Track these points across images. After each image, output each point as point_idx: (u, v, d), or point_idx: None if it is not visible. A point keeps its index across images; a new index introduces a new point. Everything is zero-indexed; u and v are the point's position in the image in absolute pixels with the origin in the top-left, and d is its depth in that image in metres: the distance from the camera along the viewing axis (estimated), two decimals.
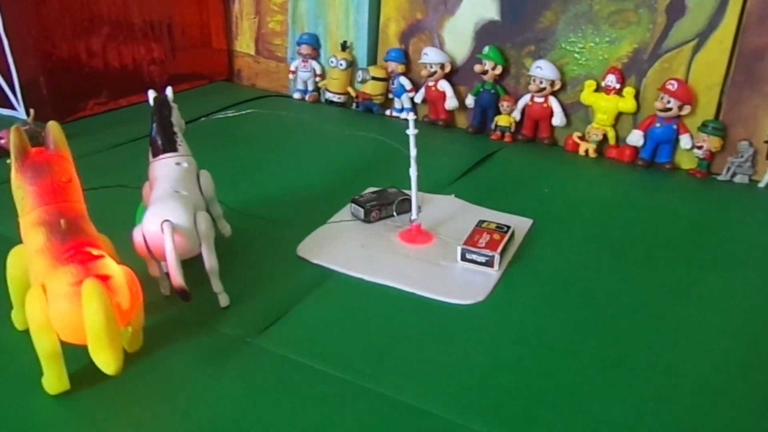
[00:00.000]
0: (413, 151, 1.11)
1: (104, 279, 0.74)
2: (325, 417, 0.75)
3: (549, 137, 1.62)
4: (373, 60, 1.83)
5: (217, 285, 0.93)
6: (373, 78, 1.77)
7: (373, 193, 1.22)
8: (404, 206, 1.18)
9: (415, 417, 0.75)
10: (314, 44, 1.88)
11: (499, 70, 1.63)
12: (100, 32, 1.70)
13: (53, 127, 0.83)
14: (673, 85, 1.42)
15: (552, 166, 1.50)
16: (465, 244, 1.06)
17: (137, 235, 0.89)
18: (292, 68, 1.91)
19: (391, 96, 1.80)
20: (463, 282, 1.02)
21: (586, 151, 1.55)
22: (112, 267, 0.77)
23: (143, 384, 0.80)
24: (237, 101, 1.89)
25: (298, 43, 1.88)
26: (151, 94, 1.07)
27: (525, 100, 1.61)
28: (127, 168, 1.40)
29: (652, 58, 1.48)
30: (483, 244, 1.05)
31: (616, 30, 1.51)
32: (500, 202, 1.27)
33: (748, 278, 1.06)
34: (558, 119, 1.58)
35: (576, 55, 1.56)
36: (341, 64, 1.81)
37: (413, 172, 1.12)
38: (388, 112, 1.80)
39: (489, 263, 1.04)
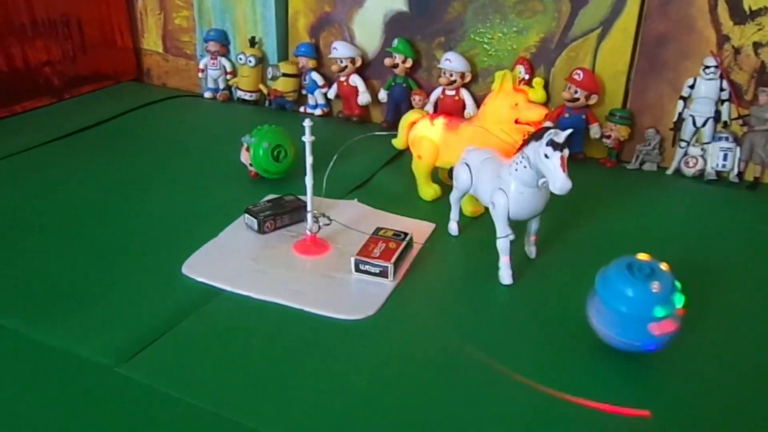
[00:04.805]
0: (309, 159, 1.06)
1: (413, 122, 1.25)
2: None
3: None
4: (283, 56, 1.76)
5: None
6: (284, 74, 1.71)
7: (269, 202, 1.17)
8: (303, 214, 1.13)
9: None
10: (222, 41, 1.79)
11: (409, 63, 1.58)
12: None
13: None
14: (579, 75, 1.40)
15: None
16: (359, 254, 1.02)
17: None
18: (201, 66, 1.82)
19: (304, 92, 1.74)
20: (356, 295, 0.98)
21: None
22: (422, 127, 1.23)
23: None
24: (146, 101, 1.80)
25: (205, 40, 1.79)
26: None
27: (437, 93, 1.57)
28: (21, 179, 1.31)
29: (559, 47, 1.46)
30: (377, 254, 1.01)
31: (522, 19, 1.48)
32: (406, 205, 1.24)
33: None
34: (470, 111, 1.55)
35: (485, 45, 1.53)
36: (250, 61, 1.74)
37: (309, 180, 1.07)
38: (301, 109, 1.74)
39: (383, 274, 1.00)
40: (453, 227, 1.14)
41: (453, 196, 1.13)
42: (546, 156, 0.90)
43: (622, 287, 0.79)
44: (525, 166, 0.94)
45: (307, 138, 1.04)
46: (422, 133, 1.21)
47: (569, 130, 0.91)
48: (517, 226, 1.02)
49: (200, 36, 1.83)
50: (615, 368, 0.84)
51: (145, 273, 1.02)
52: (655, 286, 0.79)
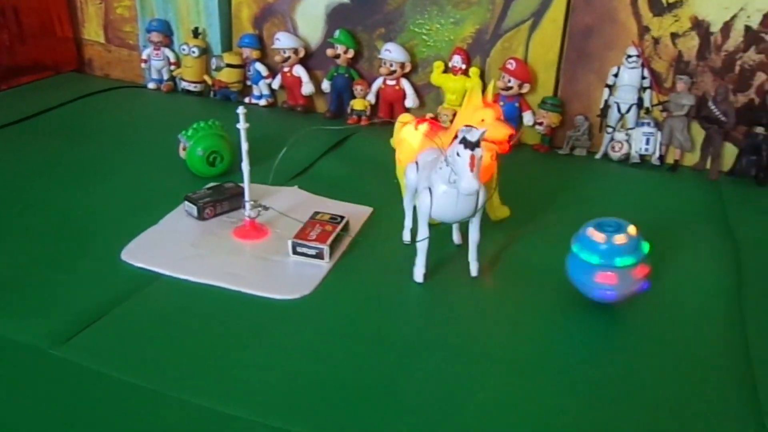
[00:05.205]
0: (245, 146, 1.09)
1: (404, 124, 1.14)
2: (123, 429, 0.73)
3: None
4: (227, 46, 1.77)
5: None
6: (228, 65, 1.72)
7: (209, 189, 1.19)
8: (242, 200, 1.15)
9: (217, 422, 0.74)
10: (165, 31, 1.79)
11: (351, 53, 1.62)
12: None
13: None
14: (511, 65, 1.47)
15: None
16: (296, 237, 1.05)
17: None
18: (144, 57, 1.82)
19: (248, 83, 1.76)
20: (293, 276, 1.02)
21: None
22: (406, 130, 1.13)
23: None
24: (87, 92, 1.78)
25: (148, 30, 1.79)
26: None
27: (378, 83, 1.61)
28: None
29: (494, 38, 1.51)
30: (314, 237, 1.05)
31: (459, 11, 1.53)
32: (346, 191, 1.27)
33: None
34: (410, 101, 1.60)
35: (424, 36, 1.58)
36: (194, 52, 1.74)
37: (245, 167, 1.10)
38: (246, 100, 1.76)
39: (319, 255, 1.04)
40: (405, 235, 1.10)
41: (404, 201, 1.09)
42: (458, 154, 0.88)
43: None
44: (445, 165, 0.92)
45: (242, 125, 1.06)
46: (405, 137, 1.15)
47: (483, 130, 0.89)
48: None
49: (143, 26, 1.82)
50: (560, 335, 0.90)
51: (84, 259, 1.03)
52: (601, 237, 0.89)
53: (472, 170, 0.87)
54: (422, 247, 0.99)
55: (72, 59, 1.94)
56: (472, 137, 0.87)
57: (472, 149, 0.87)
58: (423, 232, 0.98)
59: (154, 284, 0.98)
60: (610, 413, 0.78)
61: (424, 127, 1.13)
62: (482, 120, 1.03)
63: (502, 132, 1.03)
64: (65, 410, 0.76)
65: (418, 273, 1.00)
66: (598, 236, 0.90)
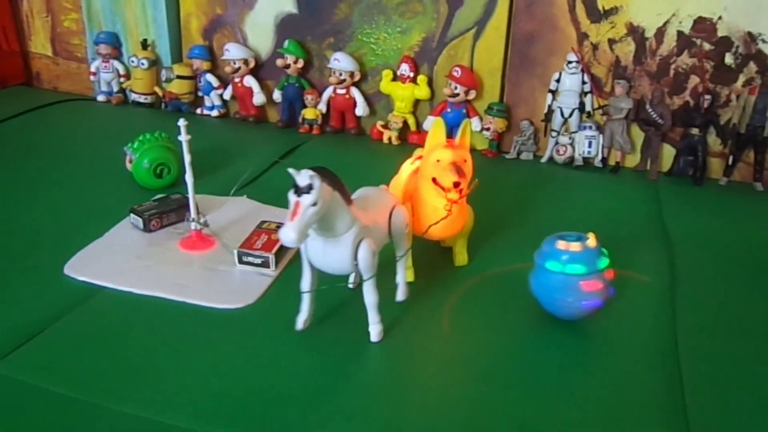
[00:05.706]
0: (187, 157, 1.09)
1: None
2: None
3: (355, 127, 1.65)
4: (177, 58, 1.77)
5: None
6: (178, 77, 1.72)
7: (155, 200, 1.19)
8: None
9: None
10: (114, 43, 1.78)
11: (301, 63, 1.63)
12: None
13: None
14: (457, 72, 1.50)
15: (355, 156, 1.53)
16: (242, 246, 1.06)
17: None
18: (93, 69, 1.80)
19: (200, 94, 1.75)
20: (238, 285, 1.02)
21: (390, 139, 1.60)
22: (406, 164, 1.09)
23: None
24: (35, 105, 1.76)
25: (96, 43, 1.77)
26: None
27: (328, 92, 1.63)
28: None
29: (440, 46, 1.55)
30: (259, 246, 1.06)
31: (405, 20, 1.55)
32: None
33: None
34: (361, 109, 1.62)
35: (372, 45, 1.60)
36: (143, 64, 1.74)
37: (189, 178, 1.10)
38: (198, 111, 1.76)
39: (265, 264, 1.04)
40: (300, 322, 0.91)
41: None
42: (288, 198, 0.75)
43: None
44: None
45: (183, 137, 1.07)
46: (403, 167, 1.10)
47: (311, 173, 0.75)
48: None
49: (90, 38, 1.81)
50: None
51: (25, 274, 1.02)
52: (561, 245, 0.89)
53: (291, 219, 0.74)
54: (302, 291, 0.89)
55: (19, 72, 1.91)
56: (301, 181, 0.75)
57: (299, 195, 0.74)
58: (304, 277, 0.88)
59: (97, 297, 0.98)
60: (545, 407, 0.80)
61: (418, 163, 1.05)
62: (438, 161, 0.96)
63: (446, 178, 0.94)
64: (3, 427, 0.75)
65: (299, 320, 0.91)
66: (574, 246, 0.89)
